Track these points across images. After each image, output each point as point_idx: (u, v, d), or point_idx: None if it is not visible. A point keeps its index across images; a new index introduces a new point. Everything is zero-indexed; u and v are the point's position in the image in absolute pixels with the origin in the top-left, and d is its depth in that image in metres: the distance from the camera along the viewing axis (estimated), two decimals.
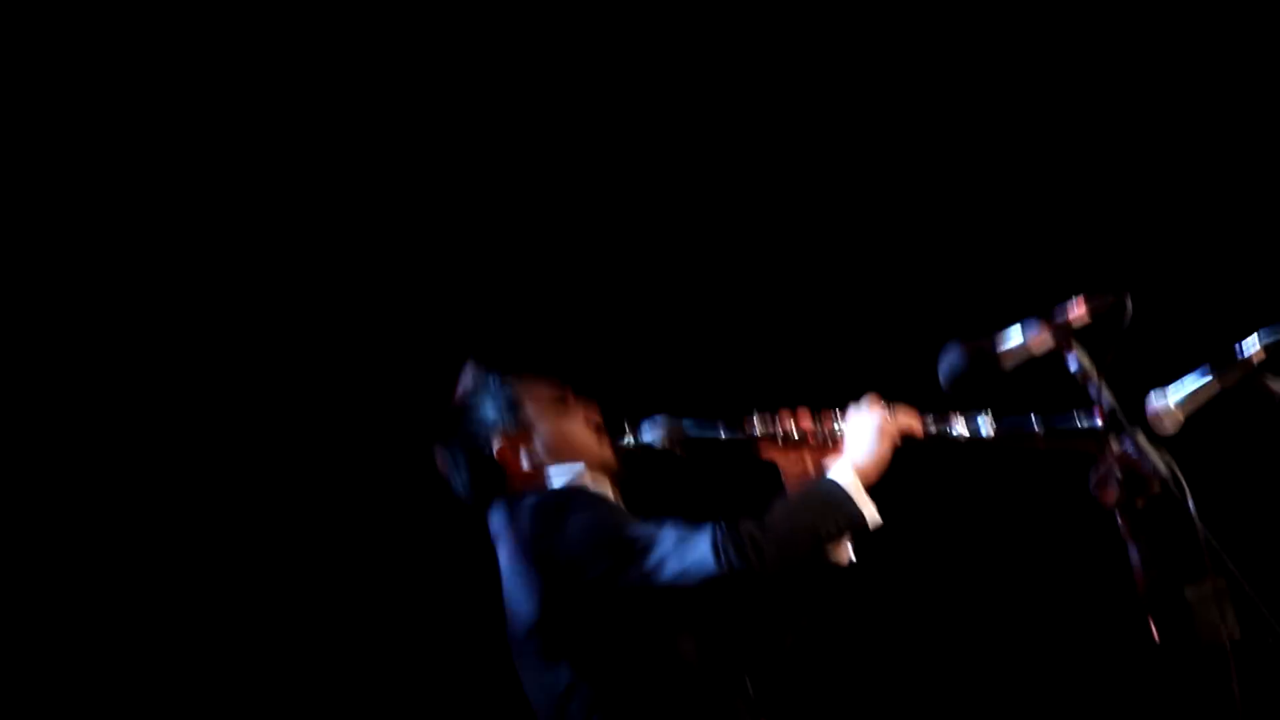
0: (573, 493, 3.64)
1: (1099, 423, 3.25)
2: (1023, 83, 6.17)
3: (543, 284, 6.12)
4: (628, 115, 6.14)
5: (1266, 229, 6.05)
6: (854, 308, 6.23)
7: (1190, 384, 3.28)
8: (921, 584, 6.19)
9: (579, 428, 3.75)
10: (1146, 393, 3.29)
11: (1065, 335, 3.18)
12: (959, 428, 3.53)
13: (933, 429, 3.55)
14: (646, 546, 3.42)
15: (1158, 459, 3.02)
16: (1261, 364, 3.29)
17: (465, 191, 6.10)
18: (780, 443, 3.70)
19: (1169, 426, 3.25)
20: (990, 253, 6.16)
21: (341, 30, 5.88)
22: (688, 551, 3.37)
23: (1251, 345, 3.31)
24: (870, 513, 3.44)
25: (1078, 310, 3.19)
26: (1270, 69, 6.04)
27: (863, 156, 6.25)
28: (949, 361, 3.31)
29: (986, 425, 3.51)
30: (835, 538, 3.47)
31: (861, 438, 3.54)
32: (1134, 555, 3.00)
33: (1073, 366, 3.16)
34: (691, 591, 3.38)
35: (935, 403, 3.47)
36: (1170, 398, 3.26)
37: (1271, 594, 3.01)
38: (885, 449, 3.52)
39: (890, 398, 3.61)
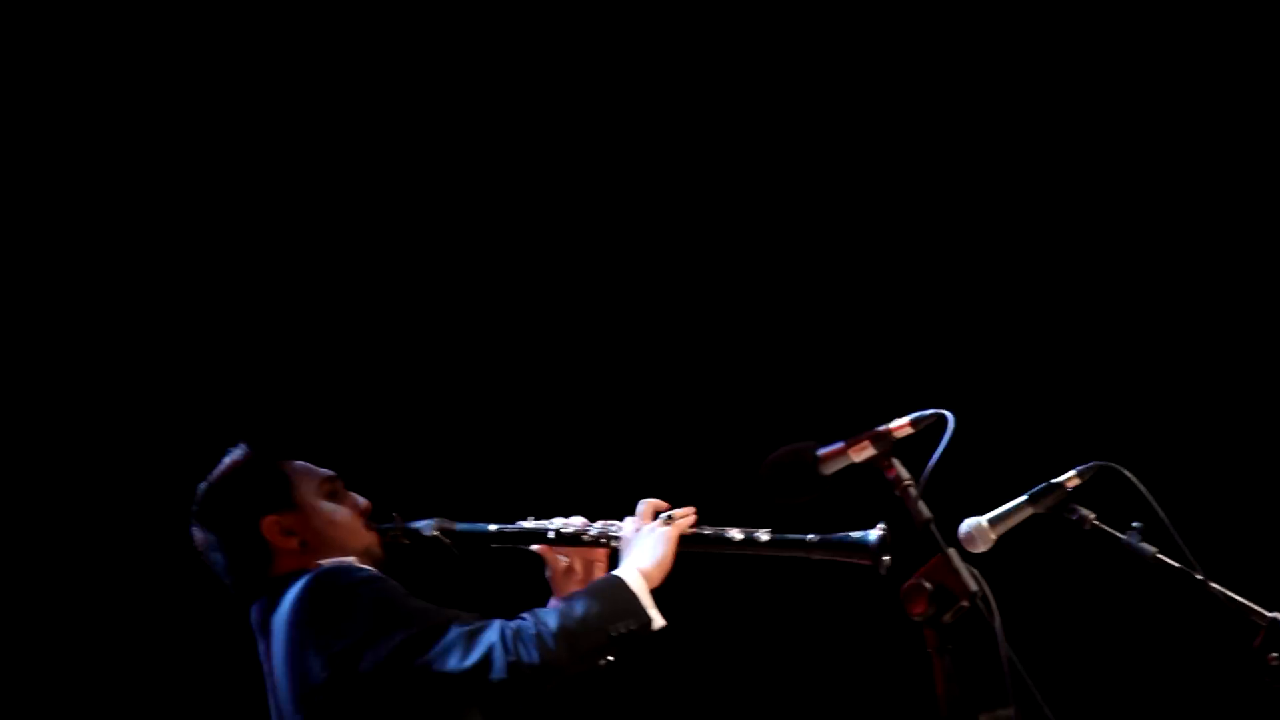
0: (354, 571, 3.58)
1: (872, 538, 3.42)
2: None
3: (321, 377, 6.05)
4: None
5: (1093, 367, 6.20)
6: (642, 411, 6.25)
7: (1005, 506, 3.36)
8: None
9: (348, 515, 3.73)
10: (965, 513, 3.34)
11: (886, 446, 3.17)
12: (735, 533, 3.62)
13: (708, 532, 3.63)
14: (433, 635, 3.41)
15: (968, 575, 3.01)
16: (1074, 491, 3.39)
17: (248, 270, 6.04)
18: (551, 540, 3.75)
19: (981, 545, 3.32)
20: (825, 367, 6.22)
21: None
22: (475, 644, 3.38)
23: (1066, 476, 3.42)
24: (655, 615, 3.51)
25: (900, 423, 3.19)
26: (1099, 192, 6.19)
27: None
28: (769, 465, 3.30)
29: (763, 533, 3.59)
30: (624, 637, 3.48)
31: (644, 542, 3.60)
32: (937, 670, 2.98)
33: (891, 477, 3.15)
34: (473, 684, 3.37)
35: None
36: (984, 517, 3.31)
37: (1070, 718, 3.02)
38: (667, 552, 3.59)
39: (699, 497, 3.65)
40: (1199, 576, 3.33)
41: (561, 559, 3.80)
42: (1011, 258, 6.26)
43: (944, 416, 3.13)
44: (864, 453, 3.19)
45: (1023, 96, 6.17)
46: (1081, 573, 5.65)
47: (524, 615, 3.44)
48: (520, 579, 3.96)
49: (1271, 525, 5.97)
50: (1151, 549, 3.36)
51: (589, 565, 3.78)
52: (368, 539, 3.73)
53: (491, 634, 3.38)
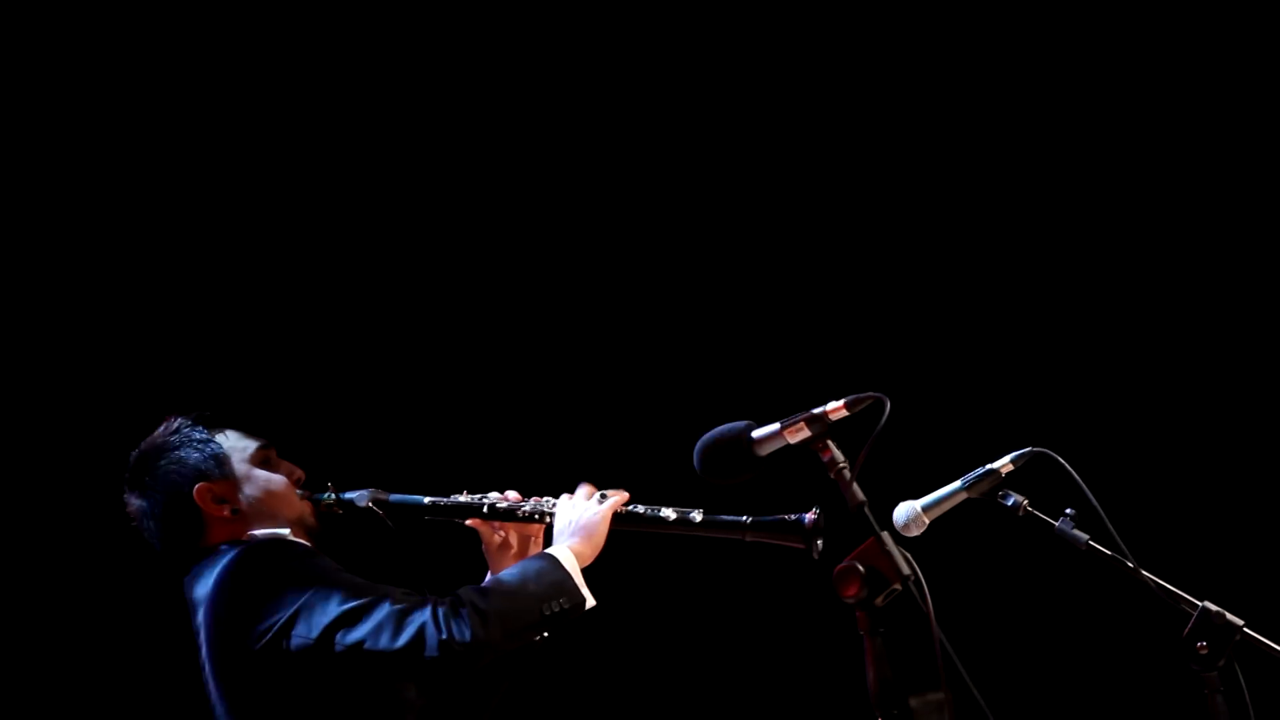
0: (284, 545, 3.58)
1: (806, 519, 3.45)
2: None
3: (259, 346, 6.01)
4: None
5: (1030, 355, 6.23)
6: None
7: (940, 491, 3.38)
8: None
9: (281, 484, 3.72)
10: (899, 497, 3.35)
11: (821, 428, 3.16)
12: (668, 512, 3.63)
13: (642, 510, 3.65)
14: (363, 612, 3.40)
15: (901, 559, 3.01)
16: (1008, 477, 3.40)
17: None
18: (485, 515, 3.76)
19: (914, 529, 3.33)
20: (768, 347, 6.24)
21: None
22: (407, 623, 3.38)
23: (1001, 462, 3.43)
24: (588, 594, 3.53)
25: (836, 405, 3.18)
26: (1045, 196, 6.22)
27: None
28: (703, 446, 3.28)
29: (696, 514, 3.61)
30: (556, 615, 3.49)
31: (576, 520, 3.62)
32: (868, 652, 2.99)
33: (826, 459, 3.14)
34: (405, 663, 3.37)
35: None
36: (918, 502, 3.33)
37: (1001, 701, 3.02)
38: (601, 530, 3.61)
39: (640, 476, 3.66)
40: (1130, 564, 3.34)
41: (497, 534, 3.81)
42: (949, 242, 6.27)
43: (880, 400, 3.12)
44: (799, 435, 3.17)
45: (971, 73, 6.19)
46: (1014, 558, 5.69)
47: (457, 593, 3.44)
48: (456, 553, 3.96)
49: (1202, 513, 6.02)
50: (1084, 536, 3.37)
51: (525, 540, 3.78)
52: (301, 508, 3.72)
53: (423, 613, 3.37)
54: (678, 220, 6.29)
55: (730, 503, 3.63)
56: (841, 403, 3.17)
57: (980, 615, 5.70)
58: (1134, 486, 5.63)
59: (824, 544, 3.49)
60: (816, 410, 3.18)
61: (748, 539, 3.54)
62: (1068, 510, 3.38)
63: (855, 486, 3.09)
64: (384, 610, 3.38)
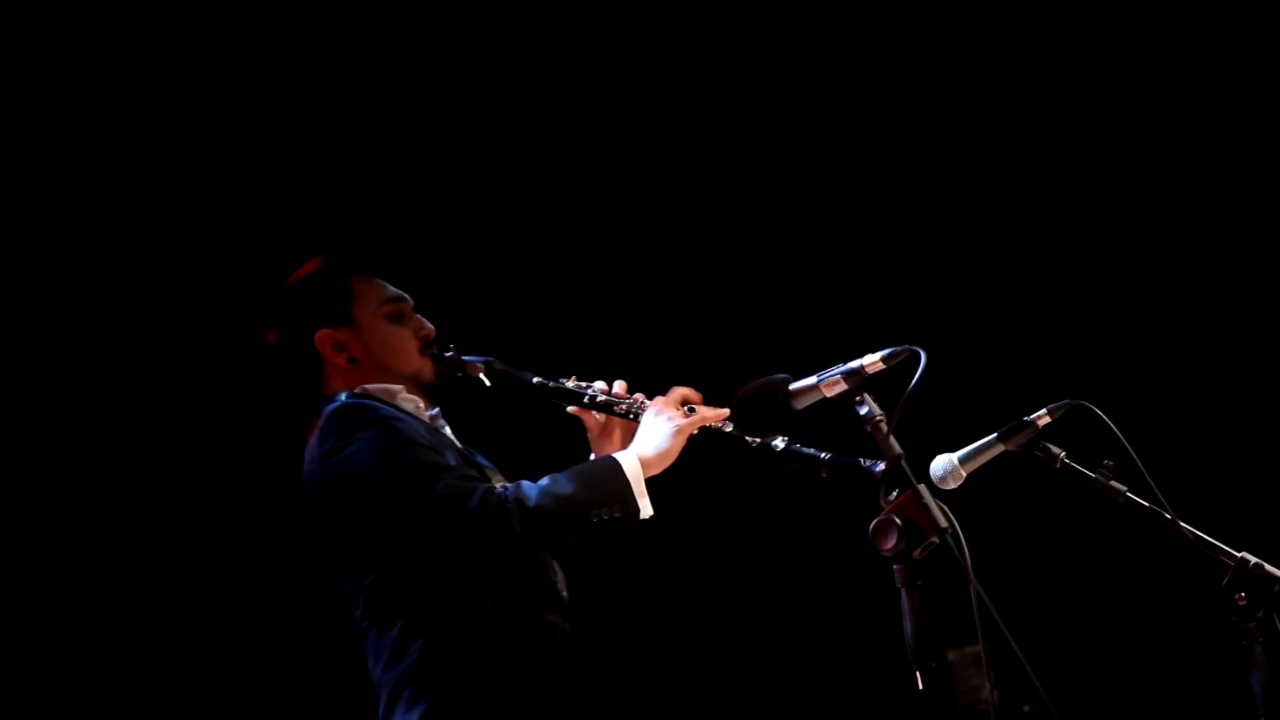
0: (360, 411, 3.57)
1: (879, 469, 3.26)
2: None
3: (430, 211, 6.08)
4: None
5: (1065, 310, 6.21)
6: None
7: (976, 444, 3.37)
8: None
9: (405, 338, 3.72)
10: (936, 449, 3.34)
11: (858, 381, 3.16)
12: (751, 437, 3.54)
13: (728, 430, 3.56)
14: (419, 494, 3.39)
15: (938, 512, 3.01)
16: (1045, 429, 3.39)
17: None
18: (585, 404, 3.73)
19: (951, 482, 3.32)
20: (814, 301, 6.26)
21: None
22: (453, 512, 3.37)
23: (1038, 414, 3.41)
24: (644, 505, 3.48)
25: (873, 359, 3.18)
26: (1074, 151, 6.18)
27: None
28: (740, 398, 3.29)
29: (779, 440, 3.51)
30: (606, 523, 3.46)
31: (655, 429, 3.56)
32: (906, 605, 2.99)
33: (863, 413, 3.14)
34: (446, 551, 3.39)
35: None
36: (955, 454, 3.33)
37: (1038, 653, 3.02)
38: (675, 444, 3.54)
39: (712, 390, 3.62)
40: (1168, 515, 3.33)
41: (600, 423, 3.78)
42: (985, 193, 6.25)
43: (916, 353, 3.11)
44: (836, 388, 3.17)
45: (1005, 29, 6.17)
46: (1051, 510, 5.68)
47: (507, 486, 3.42)
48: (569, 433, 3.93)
49: (1241, 465, 6.00)
50: (1121, 487, 3.37)
51: (629, 432, 3.70)
52: (420, 365, 3.72)
53: (469, 501, 3.37)
54: (730, 176, 6.32)
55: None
56: (878, 356, 3.17)
57: (1018, 568, 5.70)
58: (1172, 438, 5.62)
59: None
60: (853, 364, 3.18)
61: (824, 475, 3.44)
62: (1105, 462, 3.38)
63: (892, 440, 3.09)
64: (434, 495, 3.39)
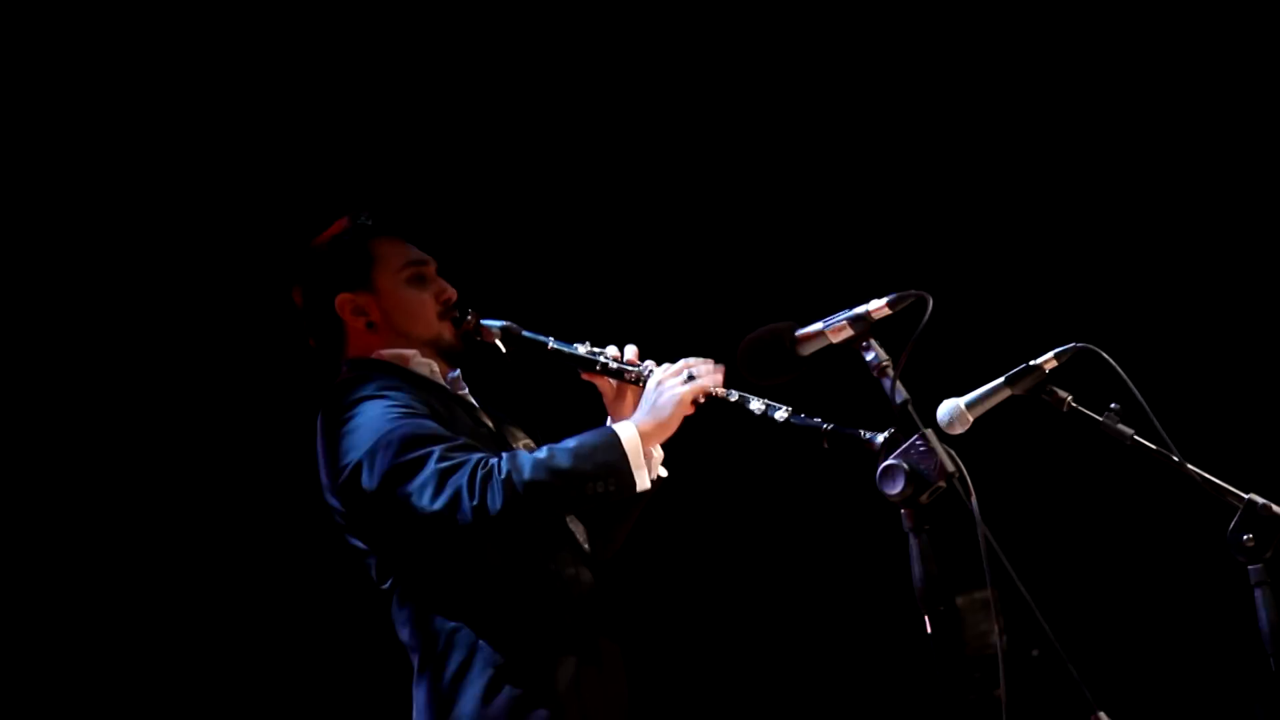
0: (365, 378, 3.58)
1: (879, 440, 3.34)
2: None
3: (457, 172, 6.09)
4: None
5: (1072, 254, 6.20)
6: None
7: (983, 389, 3.35)
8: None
9: (426, 302, 3.72)
10: (943, 395, 3.32)
11: (864, 327, 3.16)
12: (756, 405, 3.54)
13: (733, 397, 3.56)
14: (413, 467, 3.40)
15: (945, 457, 3.00)
16: (1052, 373, 3.37)
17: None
18: (599, 370, 3.73)
19: (958, 427, 3.31)
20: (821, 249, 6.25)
21: None
22: (446, 485, 3.37)
23: (1044, 358, 3.40)
24: (641, 478, 3.47)
25: (879, 304, 3.17)
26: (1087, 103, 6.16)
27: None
28: (746, 345, 3.29)
29: (781, 411, 3.52)
30: (602, 495, 3.46)
31: (654, 400, 3.56)
32: (914, 550, 2.99)
33: (869, 358, 3.14)
34: (441, 526, 3.39)
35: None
36: (962, 399, 3.31)
37: (1046, 597, 3.03)
38: (675, 415, 3.54)
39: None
40: (1176, 458, 3.32)
41: (612, 385, 3.77)
42: (990, 140, 6.24)
43: (923, 298, 3.11)
44: (842, 334, 3.17)
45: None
46: (1059, 455, 5.68)
47: (503, 455, 3.42)
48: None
49: (1248, 406, 6.00)
50: (1129, 431, 3.36)
51: (640, 395, 3.68)
52: (439, 329, 3.72)
53: (462, 475, 3.37)
54: (734, 123, 6.31)
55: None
56: (884, 301, 3.17)
57: (1025, 512, 5.71)
58: (1178, 380, 5.61)
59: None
60: (859, 309, 3.17)
61: (825, 445, 3.46)
62: (1112, 405, 3.36)
63: (899, 385, 3.08)
64: (429, 468, 3.39)
